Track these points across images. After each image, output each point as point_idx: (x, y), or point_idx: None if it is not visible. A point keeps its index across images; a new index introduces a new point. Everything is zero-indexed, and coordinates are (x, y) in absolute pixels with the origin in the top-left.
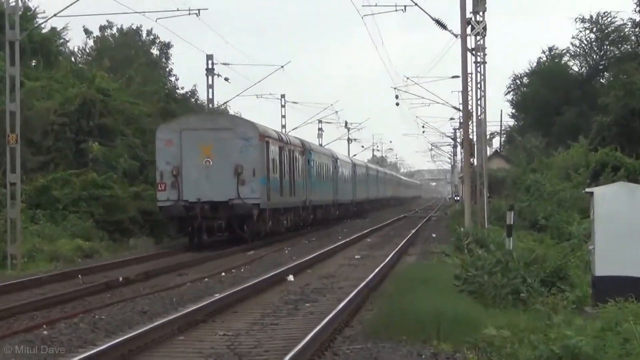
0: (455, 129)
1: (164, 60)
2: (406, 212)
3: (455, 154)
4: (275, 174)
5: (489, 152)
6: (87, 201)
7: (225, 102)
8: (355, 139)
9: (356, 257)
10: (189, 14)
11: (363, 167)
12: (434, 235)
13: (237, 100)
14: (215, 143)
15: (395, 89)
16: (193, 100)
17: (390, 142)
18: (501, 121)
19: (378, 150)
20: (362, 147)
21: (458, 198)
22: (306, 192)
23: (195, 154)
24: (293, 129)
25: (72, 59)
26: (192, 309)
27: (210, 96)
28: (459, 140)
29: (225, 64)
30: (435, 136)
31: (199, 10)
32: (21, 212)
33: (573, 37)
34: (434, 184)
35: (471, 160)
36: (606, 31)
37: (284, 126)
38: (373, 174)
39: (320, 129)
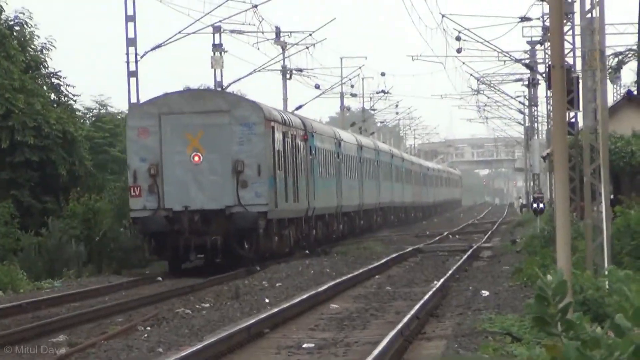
0: (530, 49)
1: None
2: (427, 234)
3: (532, 109)
4: (281, 172)
5: (613, 95)
6: None
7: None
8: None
9: (304, 346)
10: None
11: (371, 151)
12: (484, 293)
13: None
14: (207, 131)
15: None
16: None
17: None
18: None
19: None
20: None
21: (523, 202)
22: (309, 197)
23: (179, 147)
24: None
25: None
26: None
27: None
28: (540, 75)
29: None
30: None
31: None
32: None
33: None
34: (485, 172)
35: (568, 115)
36: None
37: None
38: (386, 161)
39: (290, 74)
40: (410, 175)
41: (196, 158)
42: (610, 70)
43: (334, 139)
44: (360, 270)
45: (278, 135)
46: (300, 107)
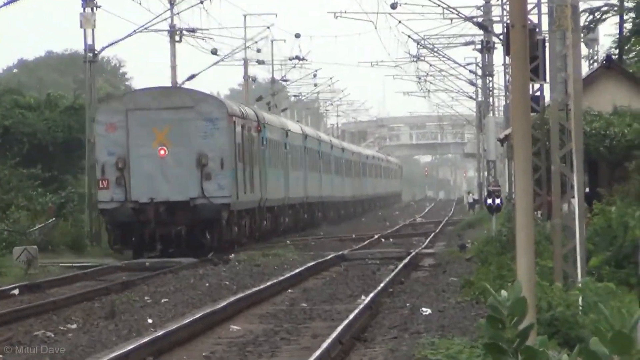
0: (484, 4)
1: None
2: (353, 237)
3: (486, 80)
4: (241, 164)
5: (588, 62)
6: None
7: None
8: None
9: None
10: None
11: (315, 141)
12: (425, 311)
13: None
14: (172, 126)
15: None
16: None
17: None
18: None
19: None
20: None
21: (475, 198)
22: (261, 188)
23: (146, 141)
24: None
25: None
26: None
27: None
28: (497, 37)
29: None
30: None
31: None
32: None
33: None
34: (426, 159)
35: (532, 87)
36: None
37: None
38: (326, 152)
39: (180, 35)
40: (350, 166)
41: (162, 152)
42: (584, 30)
43: (282, 130)
44: (269, 283)
45: (238, 129)
46: (192, 77)
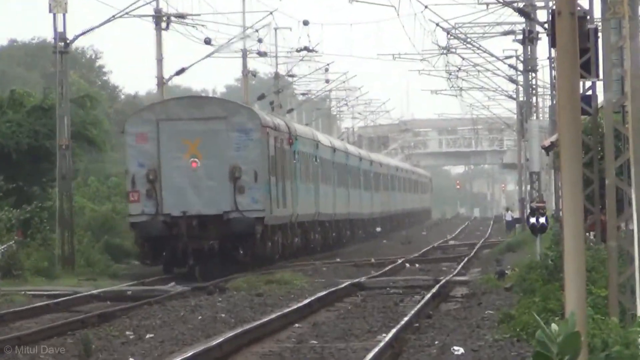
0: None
1: None
2: (372, 262)
3: (528, 76)
4: (274, 177)
5: None
6: None
7: None
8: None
9: None
10: None
11: (342, 153)
12: (458, 350)
13: None
14: (204, 137)
15: None
16: None
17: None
18: None
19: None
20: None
21: (514, 216)
22: (293, 202)
23: (177, 153)
24: None
25: None
26: None
27: None
28: (541, 26)
29: None
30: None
31: None
32: None
33: None
34: (458, 170)
35: (583, 85)
36: None
37: None
38: (354, 165)
39: (167, 21)
40: (379, 179)
41: (194, 164)
42: None
43: (313, 142)
44: (273, 316)
45: (271, 141)
46: (182, 71)
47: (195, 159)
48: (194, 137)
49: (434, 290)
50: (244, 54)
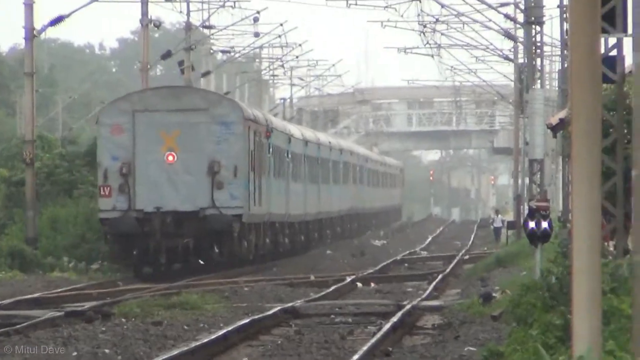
0: None
1: None
2: (311, 280)
3: (530, 31)
4: (253, 173)
5: None
6: None
7: None
8: None
9: None
10: None
11: (315, 145)
12: None
13: None
14: (183, 130)
15: None
16: None
17: None
18: None
19: None
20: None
21: (503, 220)
22: (266, 200)
23: (153, 146)
24: None
25: None
26: None
27: None
28: None
29: None
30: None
31: None
32: None
33: None
34: (433, 156)
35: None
36: None
37: None
38: (325, 157)
39: None
40: (348, 171)
41: (170, 157)
42: None
43: (286, 135)
44: (174, 352)
45: (251, 135)
46: (58, 20)
47: (172, 152)
48: (171, 129)
49: (394, 318)
50: None
